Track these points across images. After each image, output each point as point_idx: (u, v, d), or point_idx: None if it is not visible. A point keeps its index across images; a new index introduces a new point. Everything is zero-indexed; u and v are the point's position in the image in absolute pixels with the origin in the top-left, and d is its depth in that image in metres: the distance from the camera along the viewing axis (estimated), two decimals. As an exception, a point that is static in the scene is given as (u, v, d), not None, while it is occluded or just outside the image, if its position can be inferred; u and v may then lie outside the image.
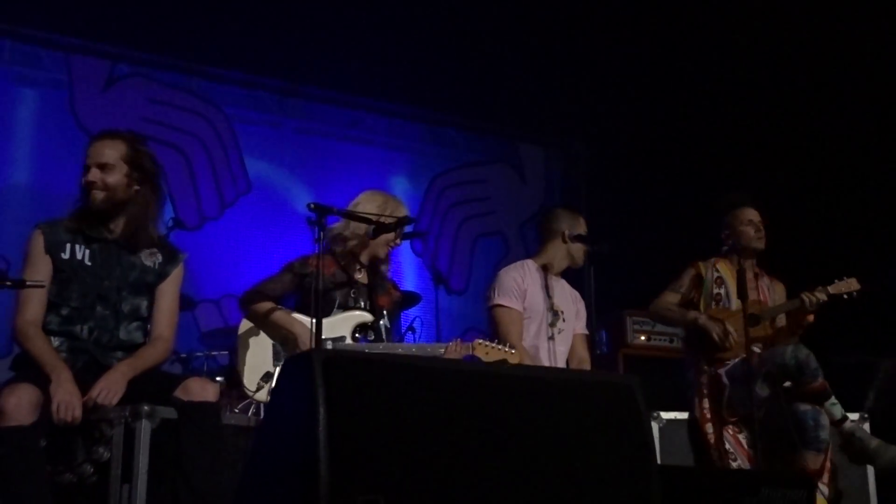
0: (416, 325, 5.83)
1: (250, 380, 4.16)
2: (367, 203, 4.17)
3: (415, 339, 5.96)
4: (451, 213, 7.83)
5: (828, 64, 6.41)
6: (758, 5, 6.49)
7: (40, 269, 3.38)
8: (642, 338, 6.26)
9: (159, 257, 3.57)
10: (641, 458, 2.56)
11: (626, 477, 2.52)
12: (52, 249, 3.42)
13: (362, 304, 4.18)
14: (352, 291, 4.18)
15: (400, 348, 4.16)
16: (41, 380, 3.17)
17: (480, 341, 4.04)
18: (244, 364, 4.23)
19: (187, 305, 5.96)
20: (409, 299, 5.98)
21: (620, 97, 7.26)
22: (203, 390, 3.25)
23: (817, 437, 4.26)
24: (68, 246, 3.44)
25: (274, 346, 4.28)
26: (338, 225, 4.18)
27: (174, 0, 6.31)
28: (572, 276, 4.79)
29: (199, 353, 5.40)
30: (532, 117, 7.82)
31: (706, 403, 4.55)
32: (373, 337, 4.13)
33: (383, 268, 4.31)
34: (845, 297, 4.61)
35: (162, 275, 3.56)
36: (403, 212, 4.23)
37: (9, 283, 3.25)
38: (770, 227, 4.86)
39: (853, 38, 6.22)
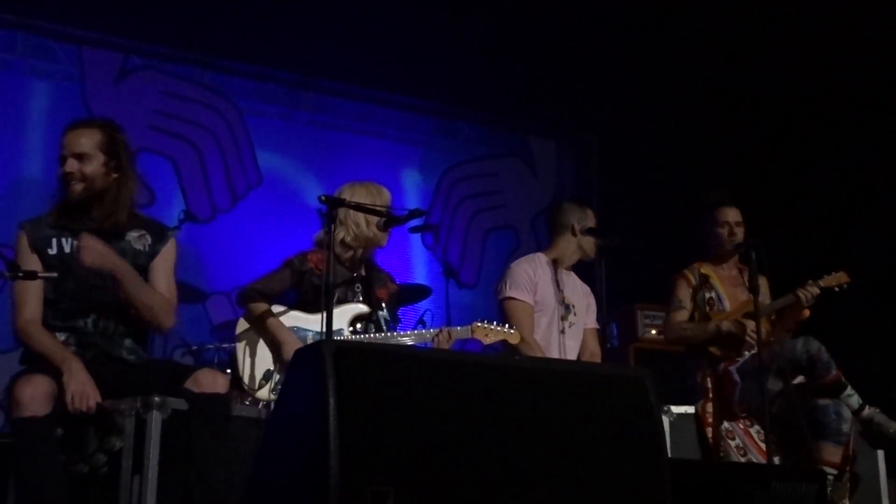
0: (427, 318, 5.82)
1: (250, 378, 4.12)
2: (357, 197, 4.07)
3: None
4: (462, 206, 7.81)
5: (843, 54, 6.37)
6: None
7: (31, 268, 3.33)
8: (653, 332, 6.21)
9: (148, 239, 3.54)
10: (652, 452, 2.55)
11: (637, 471, 2.51)
12: (38, 246, 3.39)
13: (360, 297, 4.18)
14: (351, 285, 4.19)
15: (395, 338, 4.12)
16: (53, 371, 3.18)
17: (479, 323, 4.02)
18: (244, 362, 4.20)
19: (198, 298, 5.98)
20: (420, 293, 5.98)
21: (632, 90, 7.22)
22: (214, 382, 3.26)
23: (839, 429, 4.24)
24: (54, 241, 3.41)
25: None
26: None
27: (186, -7, 6.32)
28: (583, 269, 4.78)
29: (210, 346, 5.39)
30: (543, 111, 7.78)
31: (709, 407, 4.54)
32: (373, 329, 4.13)
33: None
34: (836, 289, 4.61)
35: (153, 255, 3.53)
36: (388, 198, 4.22)
37: (21, 275, 3.25)
38: (772, 221, 4.83)
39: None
